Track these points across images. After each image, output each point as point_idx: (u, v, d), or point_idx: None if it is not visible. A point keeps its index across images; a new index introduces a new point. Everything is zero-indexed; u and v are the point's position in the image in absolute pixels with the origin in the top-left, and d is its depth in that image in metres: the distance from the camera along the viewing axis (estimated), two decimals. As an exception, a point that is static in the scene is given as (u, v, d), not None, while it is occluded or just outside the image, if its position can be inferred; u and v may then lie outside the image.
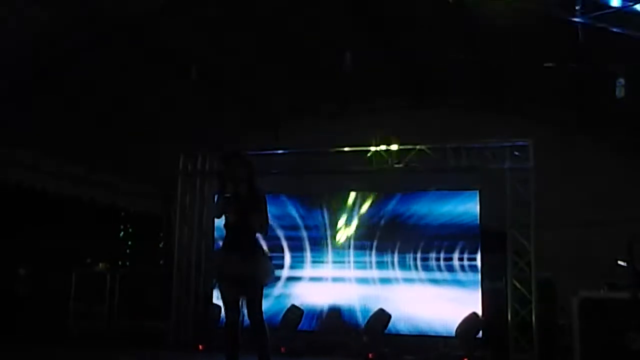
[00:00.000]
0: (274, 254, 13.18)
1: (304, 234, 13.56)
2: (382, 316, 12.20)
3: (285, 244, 13.56)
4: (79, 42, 10.84)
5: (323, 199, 13.60)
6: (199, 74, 11.39)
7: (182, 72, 11.54)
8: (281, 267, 13.30)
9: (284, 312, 12.60)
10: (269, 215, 7.40)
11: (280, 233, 13.55)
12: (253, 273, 7.11)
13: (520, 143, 11.79)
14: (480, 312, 11.90)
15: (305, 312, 12.82)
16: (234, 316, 7.22)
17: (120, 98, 12.45)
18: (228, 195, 7.32)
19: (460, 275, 12.52)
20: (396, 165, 12.45)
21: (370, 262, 13.14)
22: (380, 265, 13.06)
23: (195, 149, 13.48)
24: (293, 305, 12.75)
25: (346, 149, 12.76)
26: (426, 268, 12.77)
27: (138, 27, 10.79)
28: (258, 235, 7.40)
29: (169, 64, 11.98)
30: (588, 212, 12.99)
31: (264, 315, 7.16)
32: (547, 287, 11.66)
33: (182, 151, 13.42)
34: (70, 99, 11.90)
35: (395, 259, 12.97)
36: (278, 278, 12.88)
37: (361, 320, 12.65)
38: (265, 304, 7.17)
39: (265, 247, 7.55)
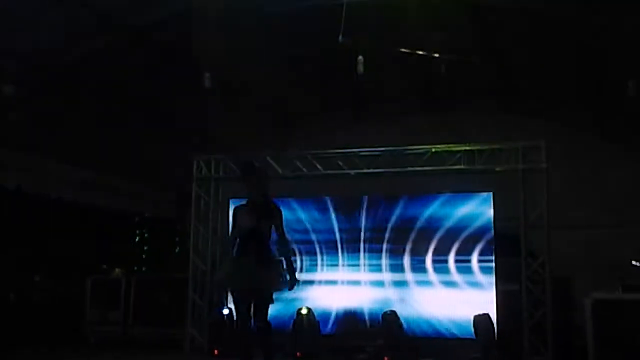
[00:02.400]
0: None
1: (316, 237, 13.58)
2: (397, 319, 12.20)
3: (298, 248, 13.58)
4: (94, 46, 10.93)
5: (336, 202, 13.60)
6: (215, 79, 11.45)
7: (198, 77, 11.59)
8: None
9: (298, 316, 12.60)
10: (283, 225, 7.55)
11: (292, 237, 13.55)
12: (263, 279, 7.25)
13: (534, 144, 11.77)
14: (495, 314, 11.87)
15: (320, 316, 12.84)
16: (246, 321, 7.34)
17: (135, 103, 12.51)
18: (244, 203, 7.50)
19: (475, 278, 12.49)
20: (410, 168, 12.47)
21: (385, 265, 13.13)
22: (395, 268, 13.05)
23: (209, 153, 13.51)
24: (308, 309, 12.75)
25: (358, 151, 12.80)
26: (441, 270, 12.73)
27: (153, 32, 10.85)
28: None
29: (185, 69, 12.01)
30: (602, 213, 12.98)
31: (275, 319, 7.32)
32: (561, 289, 11.64)
33: (197, 156, 13.46)
34: (85, 105, 11.97)
35: (410, 262, 12.96)
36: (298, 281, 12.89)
37: (376, 323, 12.64)
38: (279, 308, 7.29)
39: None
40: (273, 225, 7.46)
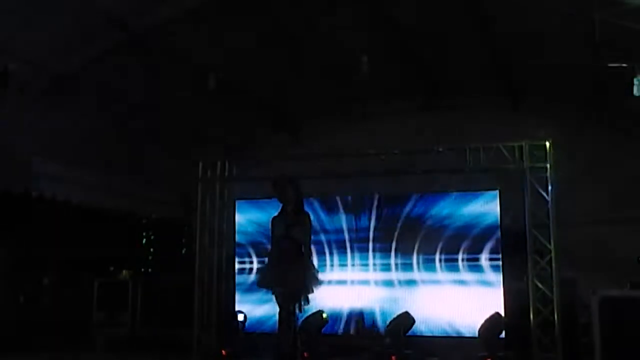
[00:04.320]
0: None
1: (325, 237, 13.57)
2: (405, 318, 12.19)
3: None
4: (98, 51, 10.95)
5: (343, 202, 13.60)
6: (218, 80, 11.47)
7: (201, 79, 11.60)
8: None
9: (306, 316, 12.59)
10: (311, 232, 8.13)
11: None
12: (298, 282, 7.59)
13: (539, 142, 11.73)
14: (502, 312, 11.86)
15: (327, 316, 12.83)
16: (290, 323, 7.70)
17: (139, 106, 12.52)
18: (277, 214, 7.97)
19: (482, 276, 12.49)
20: (415, 167, 12.44)
21: (392, 264, 13.13)
22: (402, 267, 13.05)
23: (215, 155, 13.51)
24: (318, 311, 12.75)
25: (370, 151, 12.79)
26: (448, 269, 12.73)
27: (156, 35, 10.85)
28: None
29: (188, 71, 12.02)
30: (608, 211, 12.93)
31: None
32: (568, 286, 11.60)
33: (202, 157, 13.45)
34: (90, 108, 11.98)
35: (417, 261, 12.95)
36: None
37: (383, 323, 12.65)
38: None
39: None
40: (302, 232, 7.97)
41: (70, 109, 11.76)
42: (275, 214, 8.42)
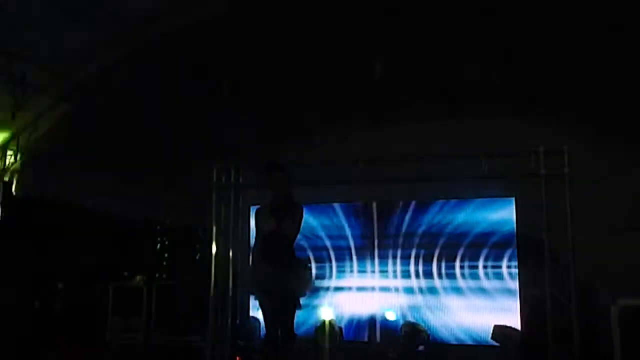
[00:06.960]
0: (319, 264, 13.26)
1: (344, 243, 13.54)
2: (420, 327, 12.16)
3: (325, 254, 13.57)
4: (114, 58, 10.95)
5: (362, 209, 13.56)
6: (232, 86, 11.44)
7: (215, 85, 11.57)
8: (324, 277, 13.37)
9: (322, 323, 12.55)
10: (301, 226, 7.44)
11: (323, 243, 13.55)
12: (288, 284, 7.15)
13: (556, 148, 11.59)
14: (518, 321, 11.77)
15: (345, 322, 12.82)
16: (274, 328, 7.27)
17: (153, 112, 12.49)
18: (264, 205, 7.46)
19: (498, 284, 12.42)
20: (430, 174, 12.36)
21: (408, 272, 13.08)
22: (417, 274, 13.00)
23: (228, 160, 13.44)
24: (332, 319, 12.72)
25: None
26: (464, 277, 12.68)
27: (171, 42, 10.84)
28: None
29: (201, 78, 11.99)
30: (627, 217, 12.79)
31: (297, 325, 7.31)
32: (586, 295, 11.48)
33: (216, 163, 13.39)
34: (102, 113, 11.97)
35: (434, 268, 12.90)
36: (317, 288, 12.90)
37: (400, 330, 12.59)
38: (306, 314, 7.38)
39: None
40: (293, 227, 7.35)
41: (86, 115, 11.76)
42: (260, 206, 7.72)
